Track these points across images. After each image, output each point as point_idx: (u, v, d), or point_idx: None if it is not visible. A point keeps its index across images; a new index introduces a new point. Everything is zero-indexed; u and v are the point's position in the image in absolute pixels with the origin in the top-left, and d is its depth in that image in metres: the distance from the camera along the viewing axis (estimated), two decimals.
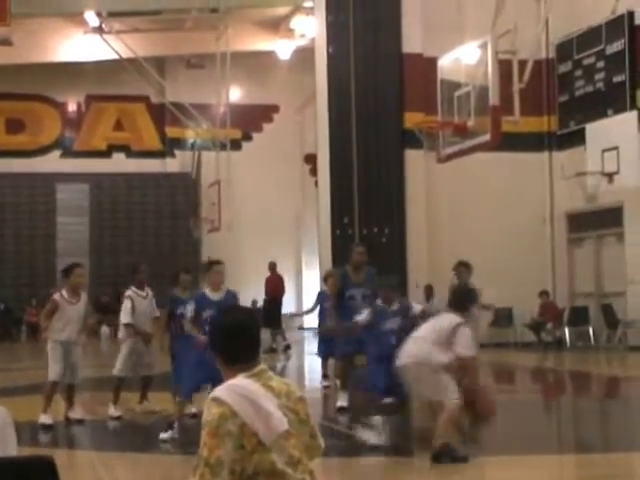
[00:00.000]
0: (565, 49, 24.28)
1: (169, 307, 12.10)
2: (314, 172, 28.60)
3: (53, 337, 11.66)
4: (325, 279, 16.25)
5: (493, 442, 10.38)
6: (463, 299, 9.51)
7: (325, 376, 15.66)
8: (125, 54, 30.42)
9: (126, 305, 12.53)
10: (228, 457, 3.86)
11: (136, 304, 12.33)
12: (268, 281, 24.88)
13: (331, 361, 14.75)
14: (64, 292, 11.73)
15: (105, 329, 32.11)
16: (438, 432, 8.91)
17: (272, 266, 24.83)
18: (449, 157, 19.53)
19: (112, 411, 12.26)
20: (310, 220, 30.57)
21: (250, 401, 3.92)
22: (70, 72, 32.53)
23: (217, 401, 3.93)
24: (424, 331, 9.31)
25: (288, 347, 24.05)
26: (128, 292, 12.56)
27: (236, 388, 3.96)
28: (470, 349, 8.99)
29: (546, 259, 24.51)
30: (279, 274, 25.08)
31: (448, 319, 9.21)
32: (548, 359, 22.28)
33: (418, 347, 9.14)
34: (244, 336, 4.15)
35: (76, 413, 11.94)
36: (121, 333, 12.95)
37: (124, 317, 12.57)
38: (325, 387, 15.32)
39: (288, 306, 31.03)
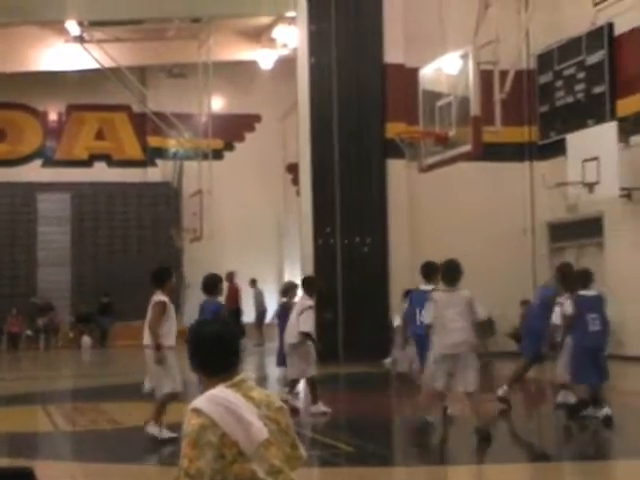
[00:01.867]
0: (546, 60, 24.40)
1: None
2: (296, 181, 28.60)
3: (166, 343, 11.02)
4: (285, 291, 16.20)
5: (471, 451, 10.42)
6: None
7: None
8: (107, 63, 30.37)
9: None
10: (208, 468, 3.86)
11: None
12: (228, 291, 24.62)
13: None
14: (162, 296, 11.14)
15: (86, 339, 32.01)
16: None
17: (230, 276, 24.62)
18: (431, 167, 19.58)
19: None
20: (292, 229, 30.56)
21: (230, 411, 3.92)
22: (51, 81, 32.43)
23: (197, 412, 3.93)
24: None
25: None
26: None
27: (216, 399, 3.96)
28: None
29: (527, 269, 24.57)
30: (236, 284, 24.93)
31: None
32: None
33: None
34: (223, 347, 4.16)
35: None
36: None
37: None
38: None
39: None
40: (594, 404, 12.23)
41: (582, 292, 12.39)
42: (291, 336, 13.54)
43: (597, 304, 12.46)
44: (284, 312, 15.02)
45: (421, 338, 12.23)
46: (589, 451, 11.08)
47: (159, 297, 11.14)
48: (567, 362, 12.64)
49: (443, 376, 10.94)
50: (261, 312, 30.96)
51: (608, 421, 11.85)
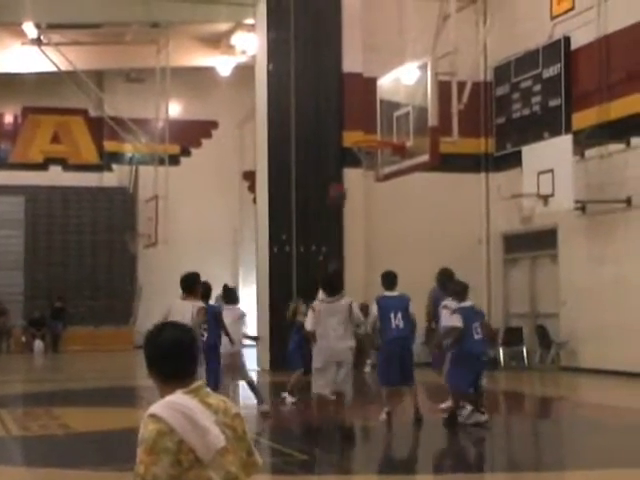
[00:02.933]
0: (503, 72, 24.59)
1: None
2: (253, 189, 28.58)
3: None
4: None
5: (424, 462, 10.46)
6: None
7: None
8: (64, 66, 30.14)
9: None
10: (164, 474, 3.84)
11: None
12: None
13: None
14: (198, 301, 11.45)
15: (39, 343, 31.74)
16: None
17: None
18: (388, 176, 19.64)
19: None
20: (248, 236, 30.54)
21: (187, 417, 3.91)
22: (7, 83, 32.17)
23: (154, 417, 3.91)
24: None
25: None
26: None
27: (173, 405, 3.95)
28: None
29: (482, 279, 24.71)
30: None
31: None
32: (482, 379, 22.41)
33: None
34: (182, 352, 4.14)
35: None
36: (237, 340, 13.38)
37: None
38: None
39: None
40: (473, 410, 12.67)
41: (464, 304, 12.86)
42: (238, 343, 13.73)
43: (471, 314, 12.88)
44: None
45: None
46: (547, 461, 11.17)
47: (198, 303, 11.39)
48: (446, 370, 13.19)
49: (329, 383, 11.65)
50: None
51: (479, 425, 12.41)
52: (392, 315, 12.76)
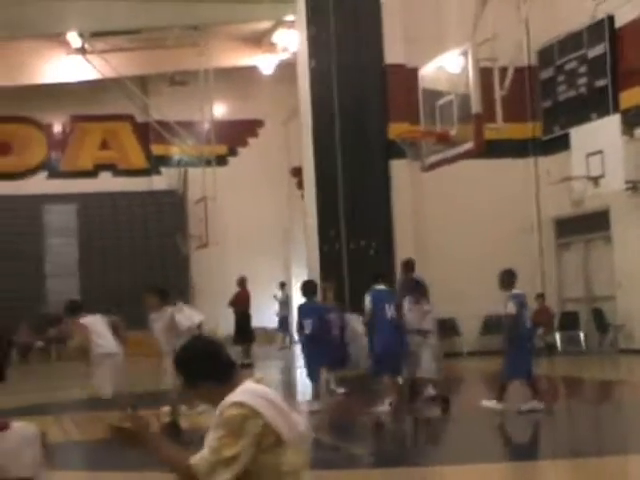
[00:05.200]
0: (546, 55, 24.34)
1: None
2: (301, 185, 28.61)
3: None
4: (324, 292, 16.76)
5: (486, 449, 10.38)
6: None
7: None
8: (108, 73, 30.43)
9: None
10: (245, 456, 3.98)
11: None
12: (239, 296, 24.74)
13: None
14: None
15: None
16: None
17: (242, 281, 24.70)
18: (432, 166, 19.52)
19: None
20: (298, 234, 30.56)
21: (270, 402, 4.12)
22: (54, 93, 32.50)
23: (238, 404, 4.08)
24: None
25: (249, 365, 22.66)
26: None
27: (254, 392, 4.15)
28: None
29: (534, 265, 24.49)
30: (247, 289, 24.93)
31: None
32: (540, 365, 22.25)
33: None
34: (224, 353, 4.33)
35: None
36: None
37: None
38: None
39: (272, 320, 31.43)
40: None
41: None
42: None
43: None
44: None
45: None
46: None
47: None
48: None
49: None
50: (285, 316, 31.14)
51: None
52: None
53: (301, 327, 14.55)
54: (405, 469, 10.03)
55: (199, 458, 3.96)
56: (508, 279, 13.20)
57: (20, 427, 3.34)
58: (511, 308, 12.75)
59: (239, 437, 3.96)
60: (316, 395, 14.51)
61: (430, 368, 13.79)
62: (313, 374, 14.66)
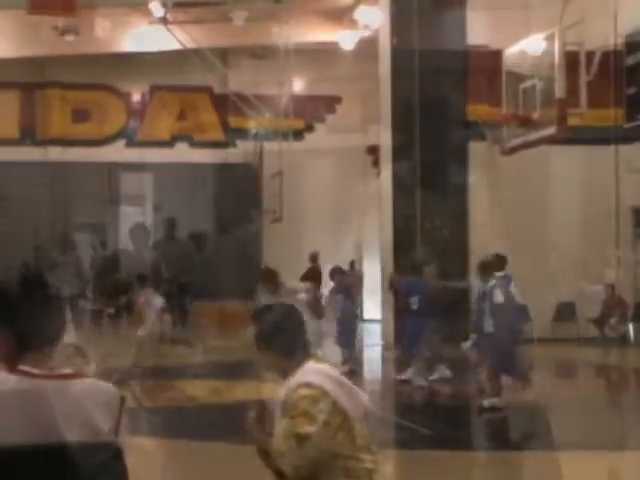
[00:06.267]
0: (634, 40, 23.86)
1: None
2: (376, 163, 28.50)
3: None
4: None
5: (557, 438, 10.29)
6: None
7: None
8: (189, 45, 30.55)
9: None
10: (318, 435, 4.03)
11: None
12: (311, 271, 24.67)
13: None
14: None
15: (167, 318, 32.36)
16: None
17: (314, 256, 24.69)
18: (513, 149, 19.33)
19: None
20: (372, 212, 30.47)
21: (336, 381, 4.17)
22: (135, 62, 32.73)
23: (308, 385, 4.13)
24: None
25: None
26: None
27: (320, 371, 4.20)
28: None
29: (611, 254, 24.14)
30: (319, 264, 24.88)
31: None
32: (611, 356, 21.98)
33: None
34: (302, 327, 4.34)
35: None
36: None
37: None
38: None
39: None
40: None
41: None
42: None
43: None
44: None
45: None
46: None
47: None
48: None
49: None
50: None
51: None
52: None
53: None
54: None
55: (275, 442, 4.01)
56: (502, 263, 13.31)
57: (94, 383, 3.12)
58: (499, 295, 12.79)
59: (312, 417, 4.00)
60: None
61: None
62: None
